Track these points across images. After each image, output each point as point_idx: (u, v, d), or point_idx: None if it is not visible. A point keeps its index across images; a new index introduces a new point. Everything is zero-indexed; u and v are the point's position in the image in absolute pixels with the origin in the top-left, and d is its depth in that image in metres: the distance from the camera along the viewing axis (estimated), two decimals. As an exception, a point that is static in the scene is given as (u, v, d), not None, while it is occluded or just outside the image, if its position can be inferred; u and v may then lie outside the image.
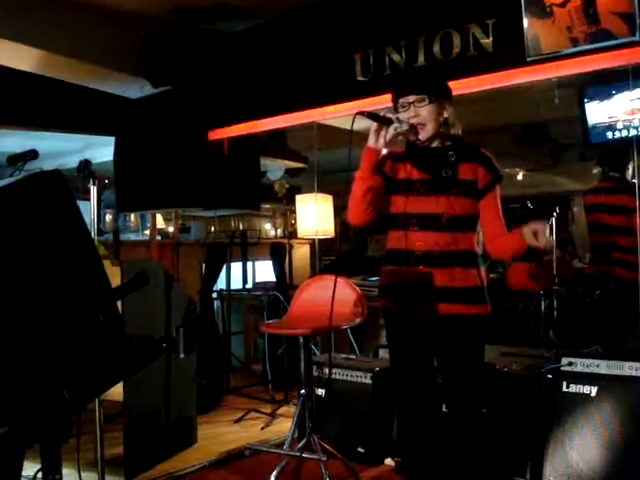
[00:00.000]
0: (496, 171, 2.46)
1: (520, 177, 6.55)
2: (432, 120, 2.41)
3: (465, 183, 2.42)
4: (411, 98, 2.40)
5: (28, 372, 1.33)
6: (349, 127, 2.34)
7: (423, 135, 2.42)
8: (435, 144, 2.47)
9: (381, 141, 2.33)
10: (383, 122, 2.32)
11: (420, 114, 2.40)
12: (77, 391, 1.39)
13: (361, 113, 2.31)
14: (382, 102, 3.76)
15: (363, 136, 2.38)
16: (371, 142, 2.34)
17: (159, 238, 6.91)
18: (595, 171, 4.42)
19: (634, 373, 2.82)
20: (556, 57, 3.25)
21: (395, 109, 2.47)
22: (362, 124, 2.34)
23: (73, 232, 1.47)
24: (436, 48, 3.67)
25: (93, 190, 3.17)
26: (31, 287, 1.35)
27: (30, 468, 1.77)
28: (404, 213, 2.44)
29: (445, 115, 2.44)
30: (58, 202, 1.45)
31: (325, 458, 3.05)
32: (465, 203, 2.42)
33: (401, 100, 2.43)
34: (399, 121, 2.34)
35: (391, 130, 2.32)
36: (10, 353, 1.32)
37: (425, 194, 2.42)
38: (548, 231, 2.33)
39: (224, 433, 4.18)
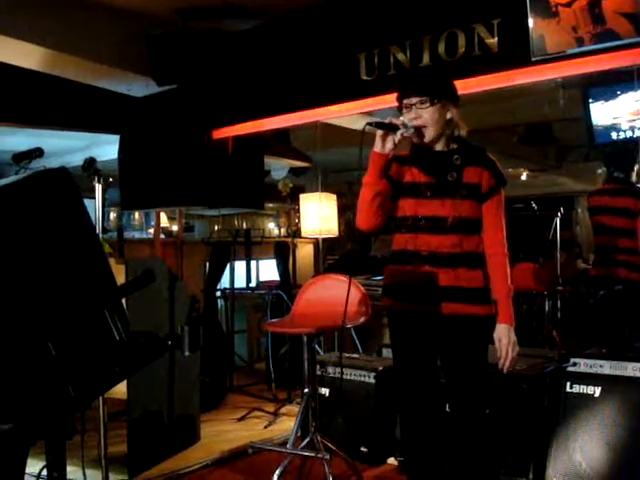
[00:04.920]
0: (500, 176, 2.46)
1: (524, 177, 6.53)
2: (434, 122, 2.39)
3: (470, 186, 2.42)
4: (413, 99, 2.40)
5: (33, 369, 1.34)
6: (353, 127, 2.36)
7: (426, 137, 2.42)
8: (440, 146, 2.47)
9: (388, 146, 2.33)
10: (390, 129, 2.32)
11: (422, 116, 2.39)
12: (82, 388, 1.39)
13: (369, 124, 2.33)
14: (387, 102, 3.76)
15: (369, 136, 2.38)
16: (377, 147, 2.34)
17: (163, 236, 6.94)
18: (599, 172, 4.41)
19: (638, 374, 2.82)
20: (561, 57, 3.24)
21: (399, 110, 2.47)
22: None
23: (79, 230, 1.48)
24: (441, 48, 3.67)
25: (98, 188, 3.18)
26: (37, 284, 1.35)
27: (34, 465, 1.78)
28: (412, 216, 2.45)
29: (448, 116, 2.43)
30: (64, 200, 1.45)
31: (328, 457, 3.05)
32: (470, 206, 2.42)
33: (404, 101, 2.44)
34: (405, 126, 2.34)
35: (397, 135, 2.32)
36: (15, 350, 1.32)
37: (431, 197, 2.42)
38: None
39: (227, 431, 4.19)
